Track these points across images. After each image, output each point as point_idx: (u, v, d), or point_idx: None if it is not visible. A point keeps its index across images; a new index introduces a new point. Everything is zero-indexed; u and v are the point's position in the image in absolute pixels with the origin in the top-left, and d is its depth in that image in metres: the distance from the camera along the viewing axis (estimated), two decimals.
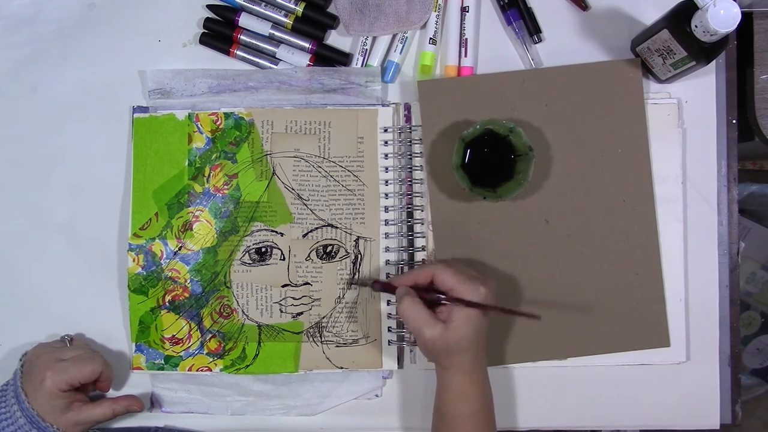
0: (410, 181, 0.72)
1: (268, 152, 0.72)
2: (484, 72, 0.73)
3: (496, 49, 0.74)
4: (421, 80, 0.72)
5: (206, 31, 0.74)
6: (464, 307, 0.60)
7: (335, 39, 0.75)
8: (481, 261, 0.71)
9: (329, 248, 0.72)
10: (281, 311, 0.71)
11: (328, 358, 0.71)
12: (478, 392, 0.62)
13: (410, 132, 0.72)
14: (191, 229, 0.71)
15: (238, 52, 0.73)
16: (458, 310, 0.60)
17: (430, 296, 0.62)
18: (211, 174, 0.72)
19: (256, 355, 0.71)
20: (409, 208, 0.72)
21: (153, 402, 0.72)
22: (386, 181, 0.72)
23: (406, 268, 0.71)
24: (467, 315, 0.60)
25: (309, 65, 0.73)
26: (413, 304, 0.61)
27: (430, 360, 0.64)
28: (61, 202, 0.74)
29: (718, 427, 0.73)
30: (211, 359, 0.71)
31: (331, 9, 0.74)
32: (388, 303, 0.71)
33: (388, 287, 0.66)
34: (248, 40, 0.73)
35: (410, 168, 0.72)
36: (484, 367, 0.63)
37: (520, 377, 0.72)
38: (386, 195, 0.72)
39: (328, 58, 0.73)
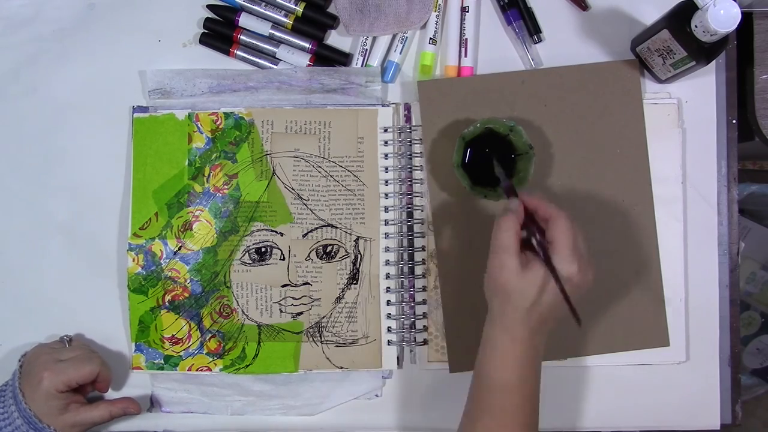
0: (410, 181, 0.72)
1: (268, 152, 0.72)
2: (484, 72, 0.73)
3: (496, 49, 0.74)
4: (421, 80, 0.72)
5: (206, 31, 0.74)
6: (546, 268, 0.54)
7: (335, 39, 0.75)
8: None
9: (329, 248, 0.72)
10: (281, 311, 0.71)
11: (327, 358, 0.71)
12: (518, 364, 0.55)
13: (410, 132, 0.72)
14: (191, 229, 0.71)
15: (238, 52, 0.73)
16: (543, 267, 0.54)
17: (532, 230, 0.56)
18: (211, 174, 0.72)
19: (256, 354, 0.71)
20: (409, 208, 0.72)
21: (153, 402, 0.72)
22: (386, 181, 0.72)
23: (406, 269, 0.71)
24: (545, 277, 0.53)
25: (309, 65, 0.73)
26: (513, 228, 0.55)
27: (485, 292, 0.58)
28: (61, 202, 0.74)
29: (718, 427, 0.72)
30: (211, 359, 0.71)
31: (331, 9, 0.74)
32: (388, 303, 0.71)
33: (510, 190, 0.59)
34: (248, 40, 0.73)
35: (410, 168, 0.72)
36: (537, 346, 0.56)
37: None
38: (386, 195, 0.72)
39: (328, 58, 0.73)
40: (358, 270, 0.72)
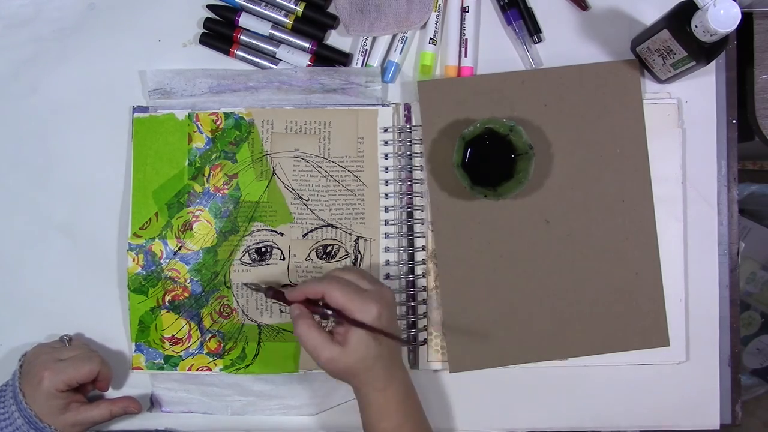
0: (410, 181, 0.72)
1: (268, 152, 0.72)
2: (484, 72, 0.73)
3: (496, 49, 0.74)
4: (421, 80, 0.72)
5: (206, 31, 0.74)
6: (356, 327, 0.59)
7: (335, 39, 0.75)
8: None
9: (329, 248, 0.71)
10: (281, 311, 0.71)
11: None
12: (398, 406, 0.61)
13: (410, 132, 0.72)
14: (191, 229, 0.71)
15: (238, 52, 0.73)
16: (353, 331, 0.59)
17: (319, 311, 0.61)
18: (211, 174, 0.72)
19: (256, 355, 0.71)
20: (409, 208, 0.72)
21: (153, 402, 0.72)
22: (386, 181, 0.72)
23: (405, 269, 0.71)
24: (361, 335, 0.59)
25: (309, 65, 0.73)
26: (308, 328, 0.60)
27: (336, 379, 0.62)
28: (61, 202, 0.74)
29: (718, 427, 0.72)
30: (211, 359, 0.71)
31: (331, 9, 0.74)
32: None
33: (280, 297, 0.64)
34: (248, 40, 0.73)
35: (410, 168, 0.72)
36: (400, 379, 0.62)
37: (520, 377, 0.72)
38: (386, 195, 0.72)
39: (328, 58, 0.73)
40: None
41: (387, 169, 0.72)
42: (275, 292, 0.65)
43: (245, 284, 0.70)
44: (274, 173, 0.72)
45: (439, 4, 0.72)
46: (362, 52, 0.73)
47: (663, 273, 0.72)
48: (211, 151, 0.72)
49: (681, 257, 0.72)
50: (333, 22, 0.73)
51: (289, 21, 0.73)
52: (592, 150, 0.72)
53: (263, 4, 0.73)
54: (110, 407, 0.67)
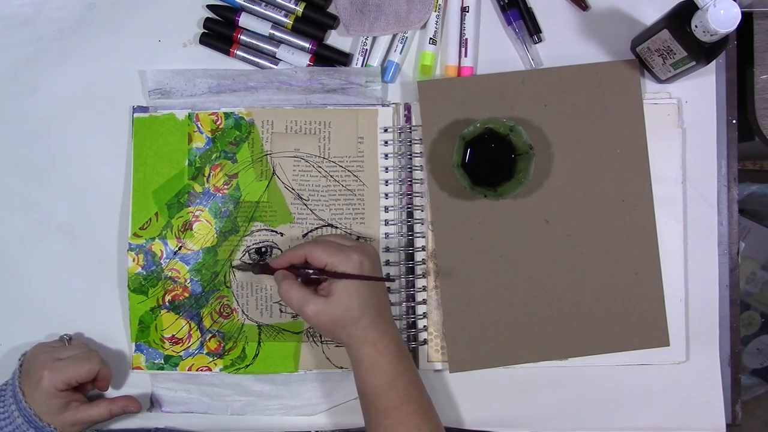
0: (410, 181, 0.72)
1: (268, 152, 0.72)
2: (484, 72, 0.73)
3: (496, 49, 0.74)
4: (421, 80, 0.72)
5: (206, 31, 0.74)
6: (340, 279, 0.61)
7: (335, 39, 0.75)
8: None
9: None
10: (281, 311, 0.71)
11: (328, 358, 0.71)
12: (391, 361, 0.61)
13: (410, 132, 0.72)
14: (191, 229, 0.71)
15: (238, 52, 0.73)
16: (337, 282, 0.61)
17: (302, 273, 0.63)
18: (211, 174, 0.72)
19: (256, 355, 0.71)
20: (409, 208, 0.72)
21: (153, 402, 0.72)
22: (386, 181, 0.72)
23: (405, 269, 0.71)
24: (345, 285, 0.60)
25: (309, 65, 0.73)
26: (290, 286, 0.62)
27: (329, 338, 0.64)
28: (61, 202, 0.74)
29: (722, 428, 0.72)
30: (211, 359, 0.71)
31: (331, 9, 0.74)
32: (391, 303, 0.71)
33: (267, 269, 0.66)
34: (248, 40, 0.73)
35: (410, 168, 0.72)
36: (391, 335, 0.62)
37: (520, 377, 0.72)
38: (386, 195, 0.72)
39: (328, 58, 0.73)
40: None
41: (387, 169, 0.72)
42: (262, 266, 0.66)
43: (234, 267, 0.71)
44: (274, 173, 0.72)
45: (439, 4, 0.72)
46: (362, 52, 0.73)
47: (663, 273, 0.72)
48: (211, 151, 0.72)
49: (681, 257, 0.72)
50: (333, 22, 0.73)
51: (289, 21, 0.73)
52: (592, 150, 0.72)
53: (263, 4, 0.73)
54: (110, 406, 0.67)
